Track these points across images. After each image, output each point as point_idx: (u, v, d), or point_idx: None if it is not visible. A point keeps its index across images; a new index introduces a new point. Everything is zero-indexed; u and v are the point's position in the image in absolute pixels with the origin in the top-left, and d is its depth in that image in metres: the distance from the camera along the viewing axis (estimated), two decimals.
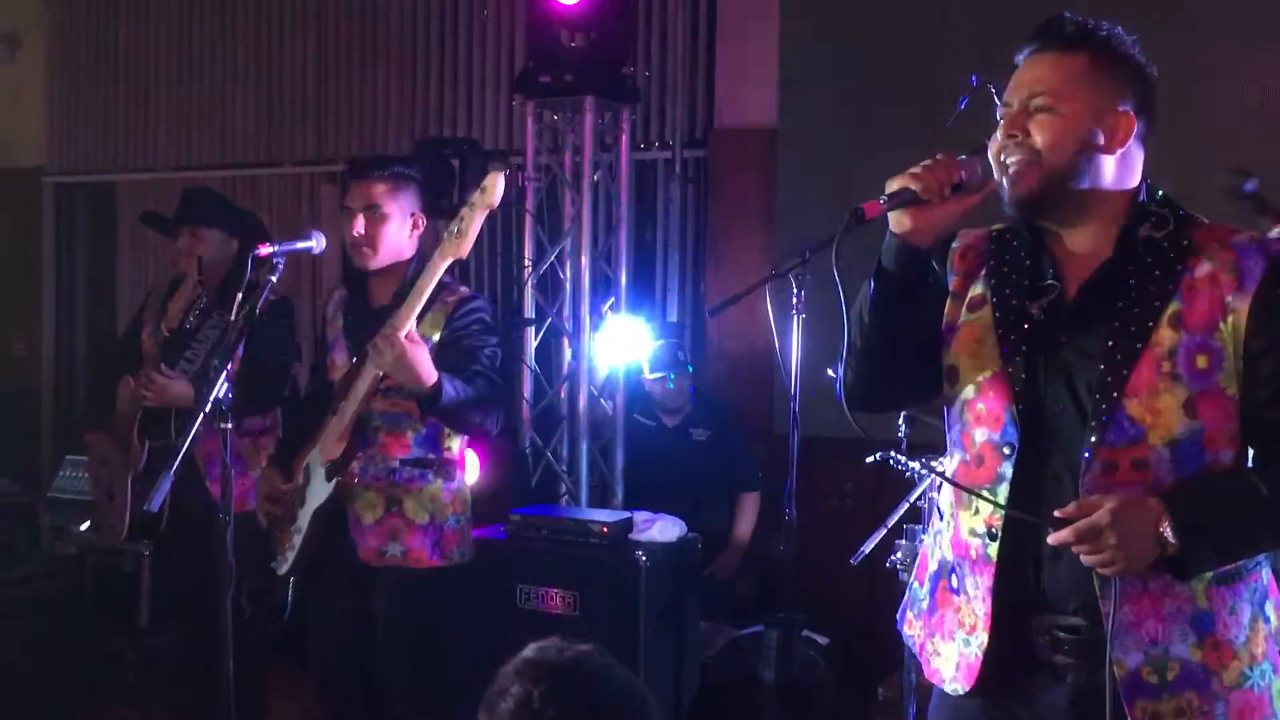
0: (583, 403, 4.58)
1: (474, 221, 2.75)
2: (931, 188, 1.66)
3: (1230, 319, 1.61)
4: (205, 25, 6.22)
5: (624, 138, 4.67)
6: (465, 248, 2.78)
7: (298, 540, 3.05)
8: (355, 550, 3.00)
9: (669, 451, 4.53)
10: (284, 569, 3.10)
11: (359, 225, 3.04)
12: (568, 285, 4.72)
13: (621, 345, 4.58)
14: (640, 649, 3.51)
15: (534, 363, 4.77)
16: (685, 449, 4.54)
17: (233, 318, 2.90)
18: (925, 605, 1.87)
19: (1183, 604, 1.63)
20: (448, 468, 3.11)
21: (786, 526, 3.32)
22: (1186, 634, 1.63)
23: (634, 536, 3.68)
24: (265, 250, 2.88)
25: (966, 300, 1.79)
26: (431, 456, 3.07)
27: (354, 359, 3.03)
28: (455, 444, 3.13)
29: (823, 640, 3.86)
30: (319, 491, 3.01)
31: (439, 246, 2.80)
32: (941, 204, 1.67)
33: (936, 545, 1.87)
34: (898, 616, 1.96)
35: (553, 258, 4.74)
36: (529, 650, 1.38)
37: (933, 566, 1.87)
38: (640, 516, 3.75)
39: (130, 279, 6.40)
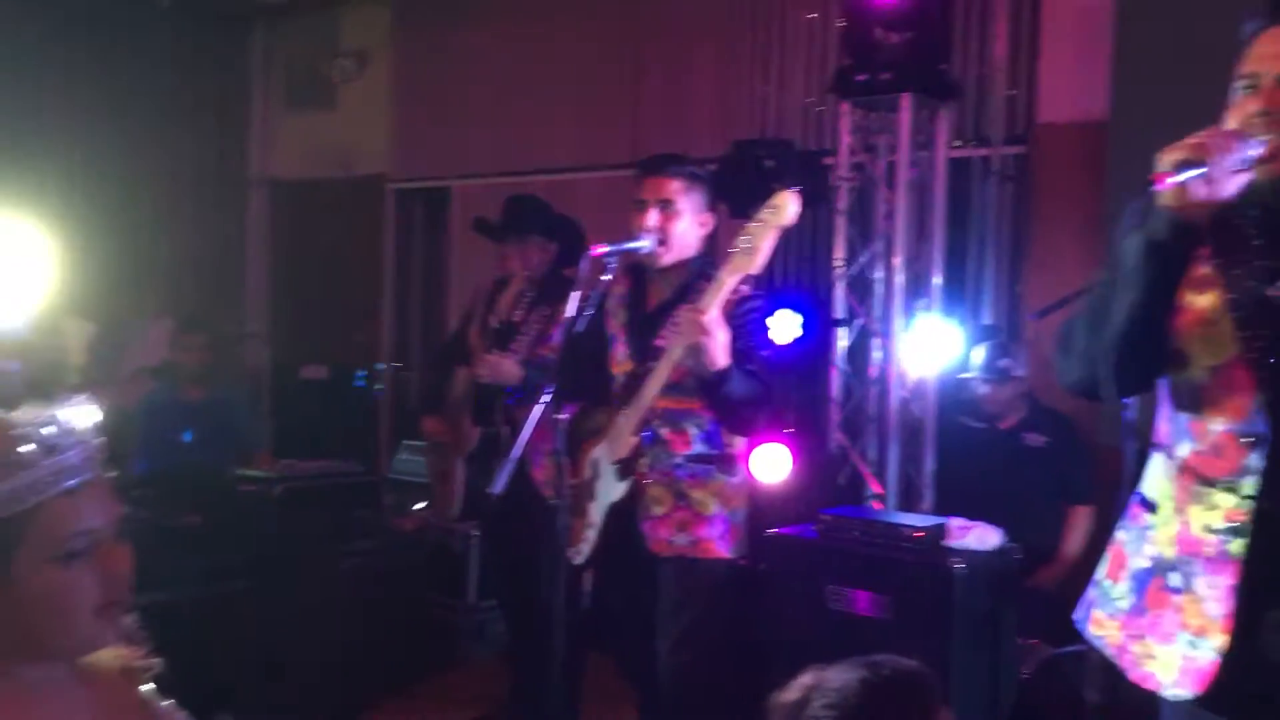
0: (893, 405, 4.51)
1: (765, 239, 2.76)
2: (1216, 160, 1.56)
3: None
4: (529, 36, 6.57)
5: (940, 135, 4.56)
6: (757, 264, 2.79)
7: (592, 534, 3.17)
8: (645, 541, 3.09)
9: (996, 457, 4.34)
10: (579, 560, 3.23)
11: (653, 218, 3.12)
12: (879, 286, 4.67)
13: (933, 348, 4.48)
14: (951, 660, 3.41)
15: (843, 364, 4.74)
16: (1015, 455, 4.31)
17: (568, 313, 3.04)
18: (1127, 605, 1.78)
19: None
20: (730, 463, 3.16)
21: None
22: None
23: (948, 543, 3.59)
24: (599, 250, 3.02)
25: (1192, 279, 1.67)
26: (714, 452, 3.12)
27: (636, 357, 3.12)
28: (737, 440, 3.17)
29: None
30: (612, 489, 3.11)
31: (729, 259, 2.82)
32: (1225, 177, 1.56)
33: (1144, 541, 1.76)
34: (1077, 616, 1.85)
35: (864, 259, 4.70)
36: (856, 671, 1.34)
37: (1140, 564, 1.77)
38: (955, 523, 3.65)
39: (460, 277, 6.84)
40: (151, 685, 1.69)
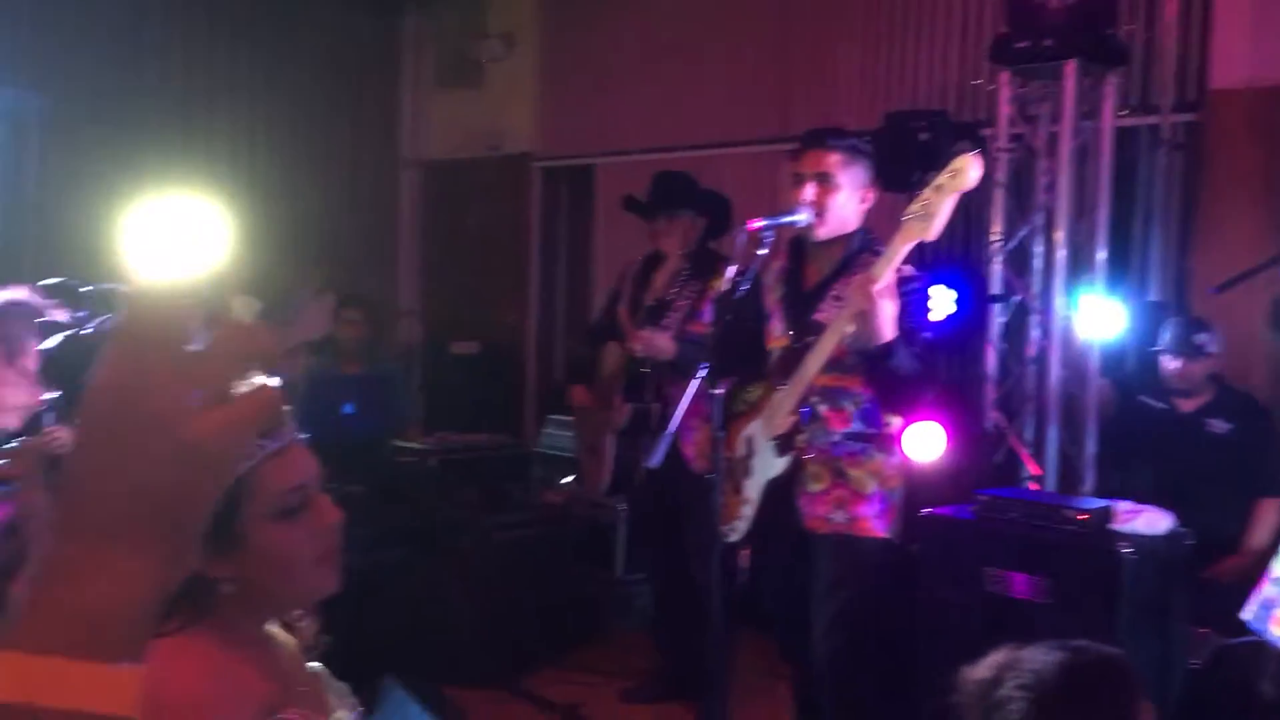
0: (1052, 384, 4.37)
1: (943, 204, 2.67)
2: None
3: None
4: (674, 13, 6.54)
5: (1107, 103, 4.38)
6: (934, 231, 2.71)
7: (748, 511, 3.15)
8: (801, 518, 3.06)
9: (1174, 439, 4.12)
10: (735, 537, 3.21)
11: (809, 192, 3.07)
12: (1038, 261, 4.52)
13: (1096, 325, 4.31)
14: (1118, 646, 3.30)
15: (1000, 341, 4.60)
16: (1196, 440, 4.08)
17: (723, 287, 3.03)
18: None
19: None
20: (887, 442, 3.10)
21: None
22: None
23: (1115, 526, 3.46)
24: (756, 224, 2.99)
25: None
26: (872, 430, 3.06)
27: (793, 333, 3.07)
28: (894, 419, 3.11)
29: None
30: (770, 466, 3.09)
31: (901, 226, 2.76)
32: None
33: None
34: (1247, 614, 1.74)
35: (1023, 233, 4.55)
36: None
37: None
38: (1123, 506, 3.52)
39: (606, 254, 6.88)
40: (318, 664, 1.75)
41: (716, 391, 2.96)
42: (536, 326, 7.40)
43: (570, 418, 4.93)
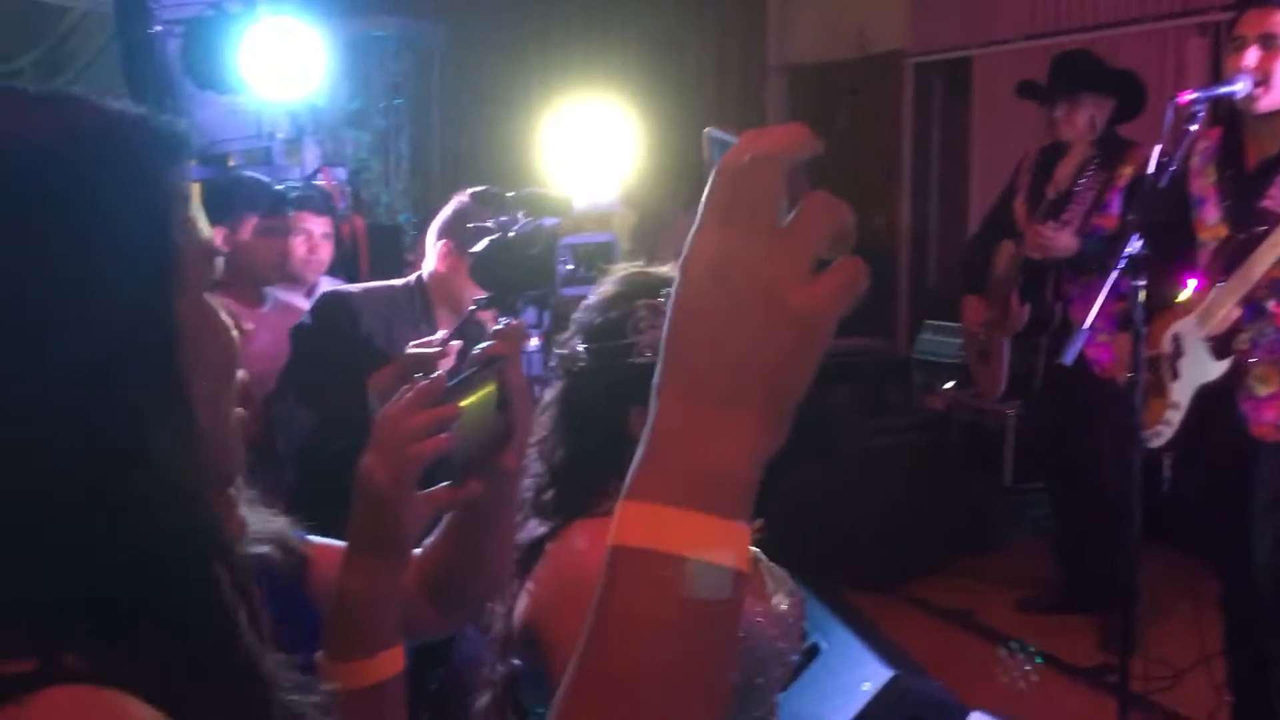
0: None
1: None
2: None
3: None
4: None
5: None
6: None
7: (1174, 416, 2.91)
8: (1246, 424, 2.78)
9: None
10: (1158, 443, 2.98)
11: (1251, 57, 2.73)
12: None
13: None
14: None
15: None
16: None
17: (1149, 170, 2.78)
18: None
19: None
20: None
21: None
22: None
23: None
24: (1187, 97, 2.71)
25: None
26: None
27: (1232, 221, 2.76)
28: None
29: None
30: (1204, 369, 2.83)
31: None
32: None
33: None
34: None
35: None
36: None
37: None
38: None
39: (983, 152, 6.55)
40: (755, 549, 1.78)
41: (1138, 284, 2.74)
42: (909, 229, 7.19)
43: (953, 323, 4.76)
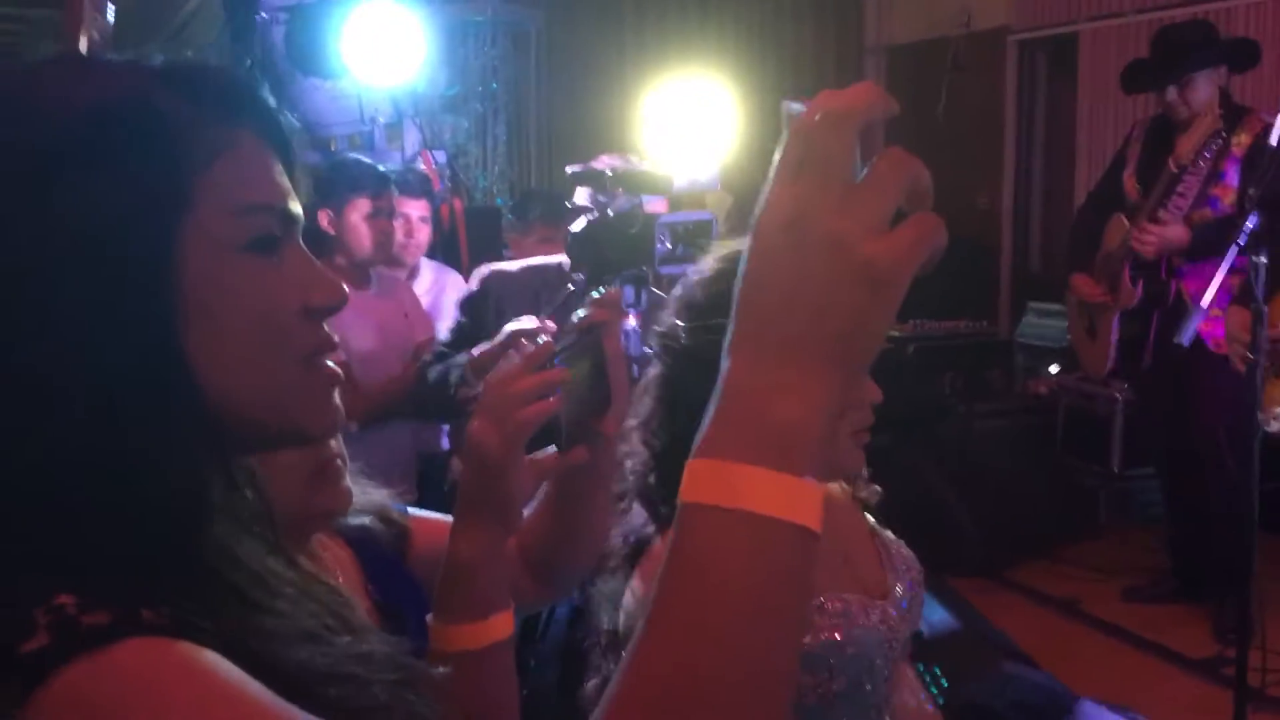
0: None
1: None
2: None
3: None
4: None
5: None
6: None
7: None
8: None
9: None
10: (1277, 427, 2.87)
11: None
12: None
13: None
14: None
15: None
16: None
17: (1271, 143, 2.67)
18: None
19: None
20: None
21: None
22: None
23: None
24: None
25: None
26: None
27: None
28: None
29: None
30: None
31: None
32: None
33: None
34: None
35: None
36: None
37: None
38: None
39: (1089, 130, 6.37)
40: (869, 517, 1.75)
41: (1259, 260, 2.63)
42: (1012, 211, 7.03)
43: (1057, 306, 4.64)
